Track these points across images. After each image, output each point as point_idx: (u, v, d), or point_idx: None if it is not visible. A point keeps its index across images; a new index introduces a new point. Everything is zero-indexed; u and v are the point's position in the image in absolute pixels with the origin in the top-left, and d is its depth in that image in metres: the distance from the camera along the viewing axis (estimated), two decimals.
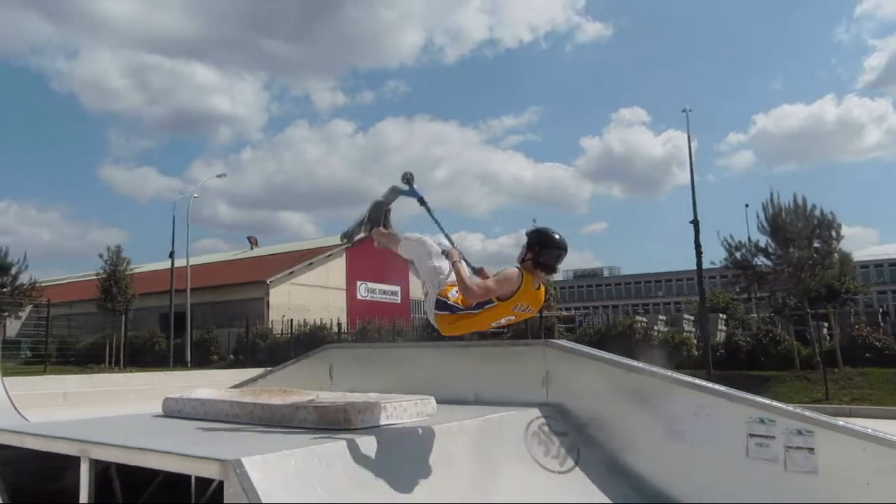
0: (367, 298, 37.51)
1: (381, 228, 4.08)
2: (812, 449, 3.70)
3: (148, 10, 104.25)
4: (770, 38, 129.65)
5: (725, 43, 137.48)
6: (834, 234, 17.93)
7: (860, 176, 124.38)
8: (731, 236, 19.19)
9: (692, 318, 24.98)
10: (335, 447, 2.83)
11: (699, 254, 18.31)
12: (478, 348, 4.86)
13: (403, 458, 3.06)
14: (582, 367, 4.39)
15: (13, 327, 29.81)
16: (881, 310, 34.34)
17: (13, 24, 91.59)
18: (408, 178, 3.85)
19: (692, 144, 22.16)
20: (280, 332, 27.72)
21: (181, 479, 4.71)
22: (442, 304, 3.38)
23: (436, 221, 3.65)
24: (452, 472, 3.22)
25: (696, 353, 21.19)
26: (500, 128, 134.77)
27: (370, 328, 26.93)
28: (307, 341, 24.60)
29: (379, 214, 4.05)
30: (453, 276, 3.29)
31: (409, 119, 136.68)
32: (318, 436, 3.07)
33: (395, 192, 3.98)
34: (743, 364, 19.07)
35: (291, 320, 26.50)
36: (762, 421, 3.82)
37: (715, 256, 20.22)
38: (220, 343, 28.89)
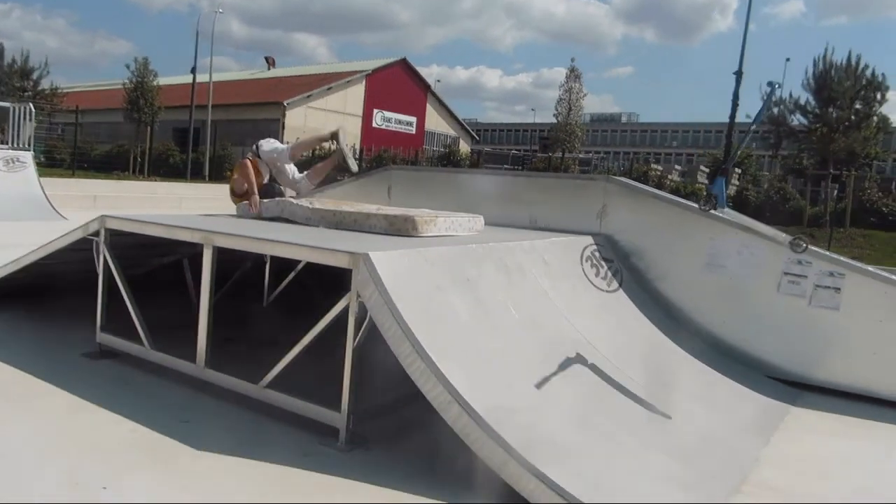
0: (383, 127, 37.37)
1: None
2: (839, 289, 4.13)
3: None
4: None
5: None
6: (879, 96, 17.62)
7: None
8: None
9: (707, 170, 25.16)
10: (437, 251, 3.22)
11: (735, 106, 18.03)
12: (540, 179, 5.17)
13: (489, 266, 3.47)
14: (638, 202, 4.72)
15: (25, 133, 29.87)
16: None
17: None
18: None
19: None
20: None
21: (255, 272, 5.23)
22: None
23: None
24: (525, 281, 3.65)
25: None
26: None
27: (386, 156, 27.18)
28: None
29: None
30: None
31: None
32: (399, 240, 3.50)
33: None
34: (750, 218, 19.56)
35: None
36: (800, 262, 4.21)
37: (744, 110, 19.95)
38: (233, 160, 29.21)
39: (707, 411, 3.55)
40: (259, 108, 33.14)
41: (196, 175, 26.85)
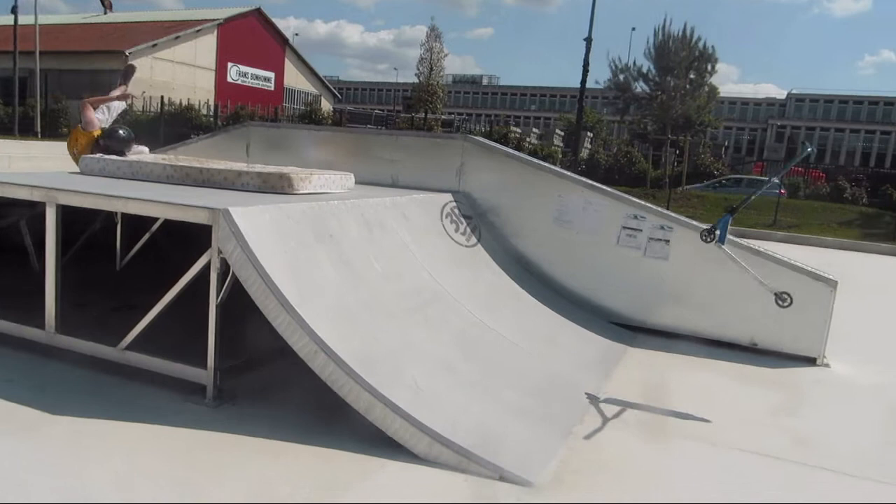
0: (238, 82, 35.55)
1: None
2: (668, 241, 4.62)
3: None
4: None
5: None
6: (710, 67, 19.21)
7: (740, 11, 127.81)
8: (619, 58, 20.07)
9: (562, 133, 26.46)
10: (299, 207, 3.25)
11: (585, 72, 18.93)
12: (401, 137, 5.25)
13: (351, 222, 3.54)
14: (494, 161, 4.96)
15: None
16: (725, 144, 38.01)
17: None
18: None
19: None
20: (141, 109, 26.03)
21: (106, 231, 4.96)
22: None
23: None
24: (386, 236, 3.77)
25: (560, 166, 22.83)
26: None
27: (243, 114, 25.99)
28: (173, 122, 23.52)
29: None
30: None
31: None
32: (267, 197, 3.47)
33: None
34: (600, 179, 20.75)
35: (162, 97, 24.88)
36: (635, 217, 4.66)
37: (594, 76, 21.09)
38: (69, 115, 26.71)
39: (556, 353, 3.89)
40: (97, 58, 30.28)
41: (26, 132, 24.29)
